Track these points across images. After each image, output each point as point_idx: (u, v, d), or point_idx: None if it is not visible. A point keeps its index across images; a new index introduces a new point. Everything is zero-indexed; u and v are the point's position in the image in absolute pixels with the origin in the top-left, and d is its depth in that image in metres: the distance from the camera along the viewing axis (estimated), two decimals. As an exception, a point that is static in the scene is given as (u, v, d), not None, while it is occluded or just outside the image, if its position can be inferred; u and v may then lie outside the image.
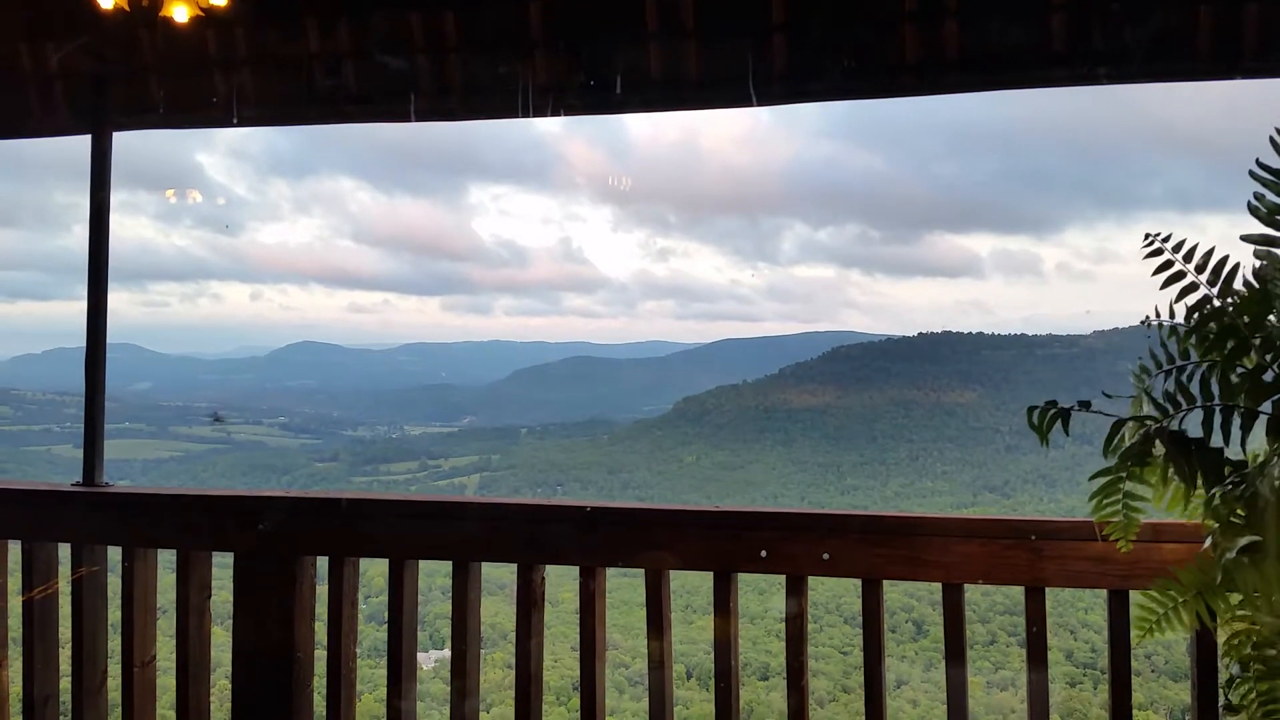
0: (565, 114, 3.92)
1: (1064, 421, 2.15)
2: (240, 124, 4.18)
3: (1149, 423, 2.05)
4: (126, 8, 3.67)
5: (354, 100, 4.04)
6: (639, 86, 3.82)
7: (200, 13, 3.71)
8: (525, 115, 3.84)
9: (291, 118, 4.46)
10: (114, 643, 3.82)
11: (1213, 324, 1.98)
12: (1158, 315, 2.09)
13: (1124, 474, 2.12)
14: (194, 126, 4.49)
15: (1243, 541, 1.83)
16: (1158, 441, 2.04)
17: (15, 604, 3.84)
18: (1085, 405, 2.15)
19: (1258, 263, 2.01)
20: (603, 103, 3.88)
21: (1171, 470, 2.05)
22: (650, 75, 3.79)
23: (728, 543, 3.28)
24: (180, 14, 3.69)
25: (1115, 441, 2.12)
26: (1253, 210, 2.02)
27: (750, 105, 3.73)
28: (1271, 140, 2.01)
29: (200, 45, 4.09)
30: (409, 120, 4.04)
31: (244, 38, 4.07)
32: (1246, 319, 1.94)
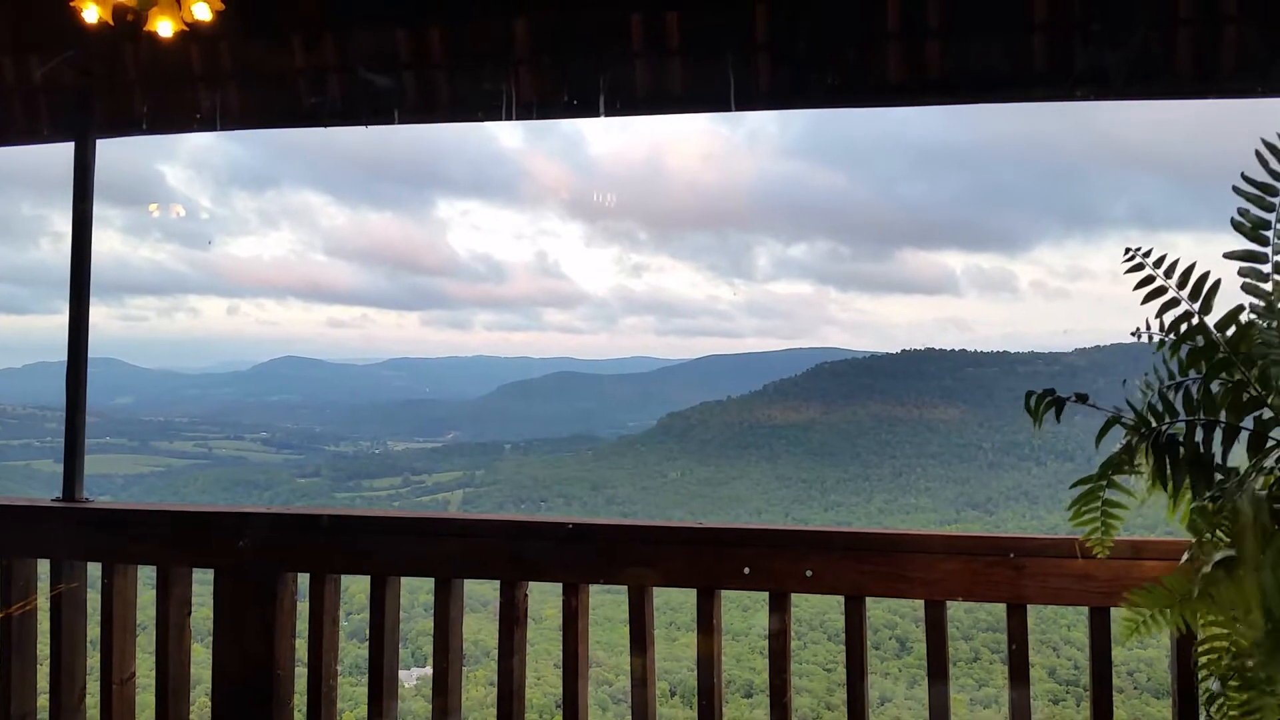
0: (550, 117, 3.95)
1: (1057, 409, 2.19)
2: (223, 129, 4.19)
3: (1135, 430, 2.06)
4: (111, 22, 3.65)
5: (339, 114, 4.04)
6: (624, 102, 3.84)
7: (185, 27, 3.70)
8: (510, 119, 3.86)
9: (275, 125, 4.45)
10: (93, 659, 3.78)
11: (1194, 340, 1.99)
12: (1148, 328, 2.11)
13: (1104, 482, 2.14)
14: (177, 132, 4.48)
15: (1219, 555, 1.85)
16: (1142, 449, 2.06)
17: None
18: (1082, 397, 2.18)
19: (1249, 301, 2.01)
20: (586, 110, 3.90)
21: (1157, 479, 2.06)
22: (635, 92, 3.80)
23: (711, 559, 3.27)
24: (165, 28, 3.68)
25: (1101, 439, 2.14)
26: (1236, 226, 2.04)
27: (730, 110, 3.79)
28: (1258, 155, 2.03)
29: (185, 59, 4.09)
30: (394, 123, 4.06)
31: (228, 52, 4.08)
32: (1225, 336, 1.96)
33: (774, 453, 38.57)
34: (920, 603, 3.14)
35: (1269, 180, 2.04)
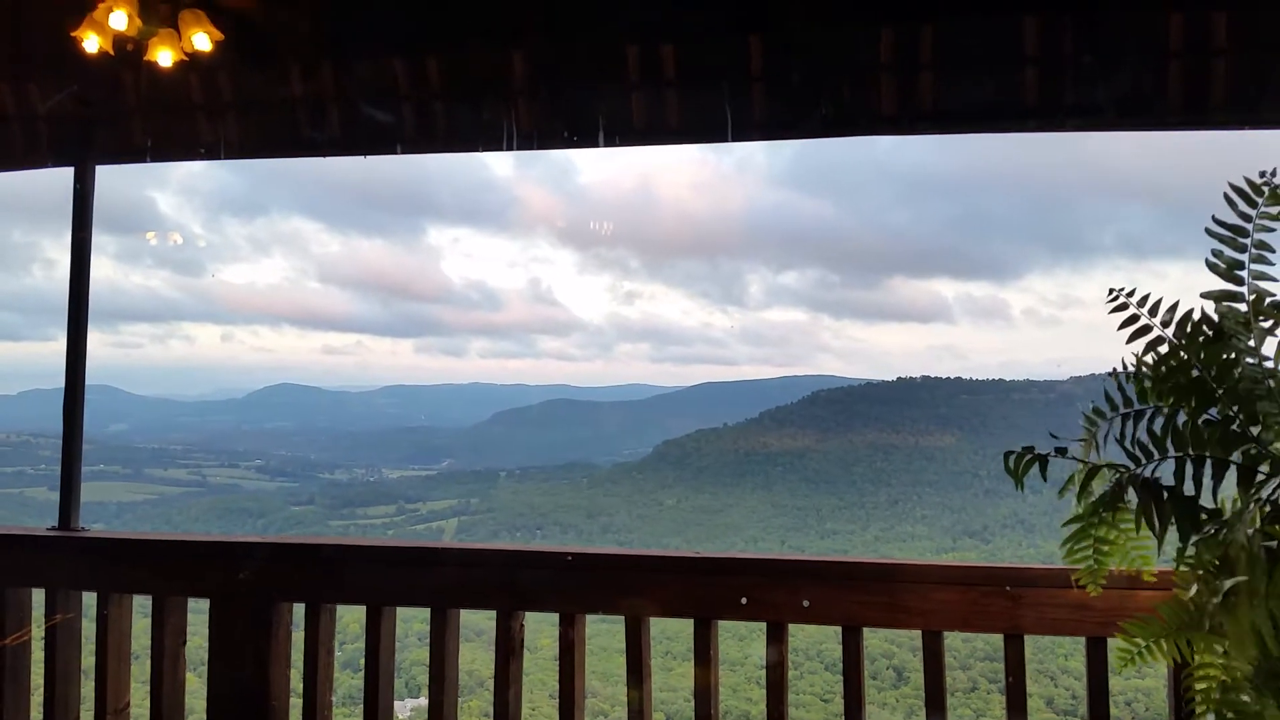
0: (548, 147, 3.99)
1: (1041, 467, 2.17)
2: (223, 159, 4.22)
3: (1121, 471, 2.07)
4: (111, 51, 3.69)
5: (338, 144, 4.07)
6: (621, 133, 3.87)
7: (184, 57, 3.74)
8: (509, 150, 3.89)
9: (274, 154, 4.49)
10: (86, 689, 3.76)
11: (1179, 377, 2.01)
12: (1125, 367, 2.13)
13: (1095, 519, 2.14)
14: (177, 160, 4.52)
15: (1227, 585, 1.85)
16: (1130, 489, 2.06)
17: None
18: (1061, 451, 2.16)
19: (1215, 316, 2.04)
20: (584, 140, 3.93)
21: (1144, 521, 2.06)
22: (631, 122, 3.84)
23: (708, 589, 3.27)
24: (165, 58, 3.72)
25: (1083, 490, 2.14)
26: (1211, 266, 2.07)
27: (726, 141, 3.83)
28: (1226, 197, 2.06)
29: (184, 88, 4.12)
30: (393, 153, 4.11)
31: (228, 81, 4.11)
32: (1213, 371, 1.97)
33: (770, 480, 38.45)
34: (917, 632, 3.14)
35: (1239, 222, 2.07)
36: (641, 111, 3.82)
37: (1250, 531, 1.78)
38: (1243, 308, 2.04)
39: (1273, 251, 2.06)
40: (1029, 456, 2.15)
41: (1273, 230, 2.05)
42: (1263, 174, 2.07)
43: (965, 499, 35.28)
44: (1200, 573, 1.94)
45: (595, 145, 3.89)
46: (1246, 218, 2.07)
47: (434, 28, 3.78)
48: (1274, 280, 2.05)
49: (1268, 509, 1.86)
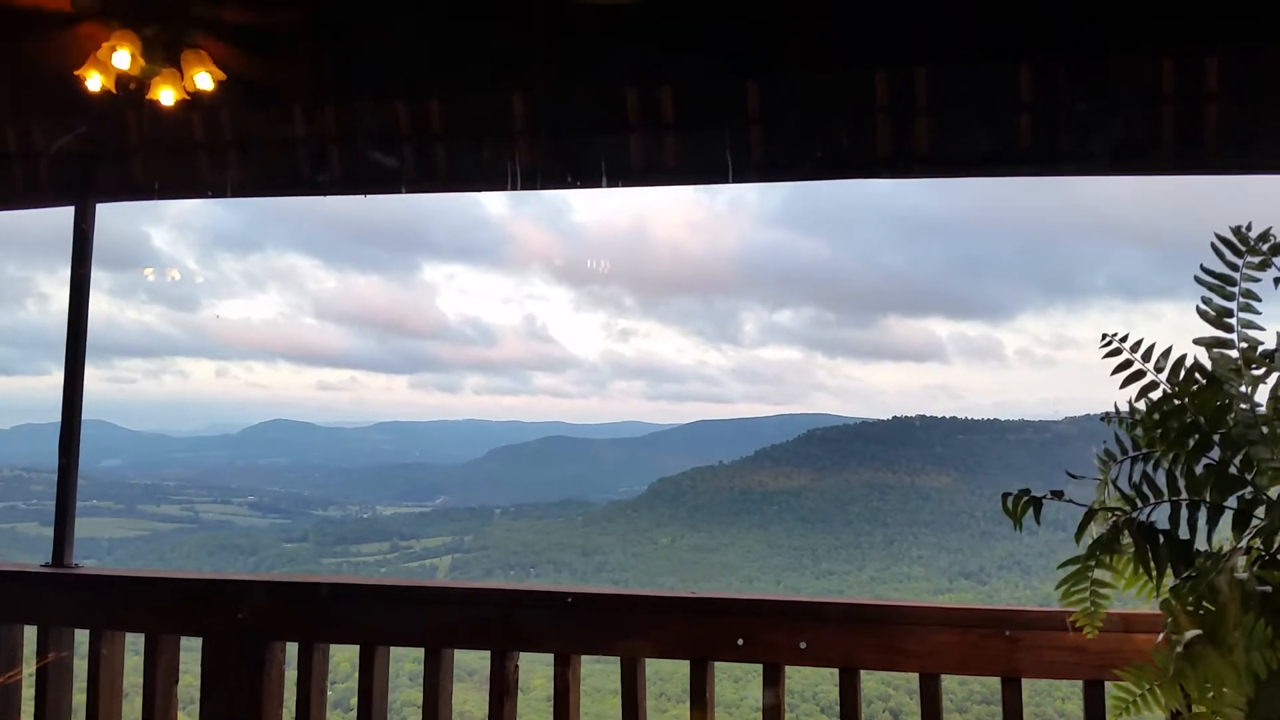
0: (548, 187, 4.05)
1: (1036, 510, 2.18)
2: (225, 196, 4.26)
3: (1118, 513, 2.08)
4: (114, 90, 3.72)
5: (339, 184, 4.10)
6: (620, 174, 3.91)
7: (186, 96, 3.77)
8: (510, 190, 3.94)
9: (276, 193, 4.52)
10: (77, 728, 3.73)
11: (1174, 422, 2.02)
12: (1117, 412, 2.14)
13: (1093, 562, 2.15)
14: (178, 198, 4.55)
15: (1189, 635, 1.86)
16: (1126, 532, 2.07)
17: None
18: (1058, 494, 2.17)
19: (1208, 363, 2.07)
20: (584, 181, 3.99)
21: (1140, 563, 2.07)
22: (630, 164, 3.87)
23: (705, 629, 3.26)
24: (167, 97, 3.75)
25: (1083, 532, 2.15)
26: (1202, 314, 2.09)
27: (725, 182, 3.88)
28: (1213, 246, 2.09)
29: (186, 127, 4.15)
30: (396, 193, 4.15)
31: (229, 121, 4.14)
32: (1204, 419, 1.99)
33: (765, 519, 38.33)
34: (914, 675, 3.12)
35: (1226, 271, 2.09)
36: (640, 153, 3.86)
37: (1236, 576, 1.79)
38: (1234, 354, 2.06)
39: (1259, 300, 2.08)
40: (1026, 498, 2.17)
41: (1259, 280, 2.08)
42: (1235, 229, 2.09)
43: (962, 540, 35.18)
44: (1175, 616, 1.94)
45: (594, 186, 3.93)
46: (1234, 267, 2.09)
47: (435, 70, 3.82)
48: (1262, 329, 2.08)
49: (1258, 552, 1.87)
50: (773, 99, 3.71)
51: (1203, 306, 2.09)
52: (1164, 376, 2.09)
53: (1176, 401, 2.04)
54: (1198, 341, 2.09)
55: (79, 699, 3.71)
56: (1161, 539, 2.01)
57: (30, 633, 3.74)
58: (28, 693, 3.74)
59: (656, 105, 3.75)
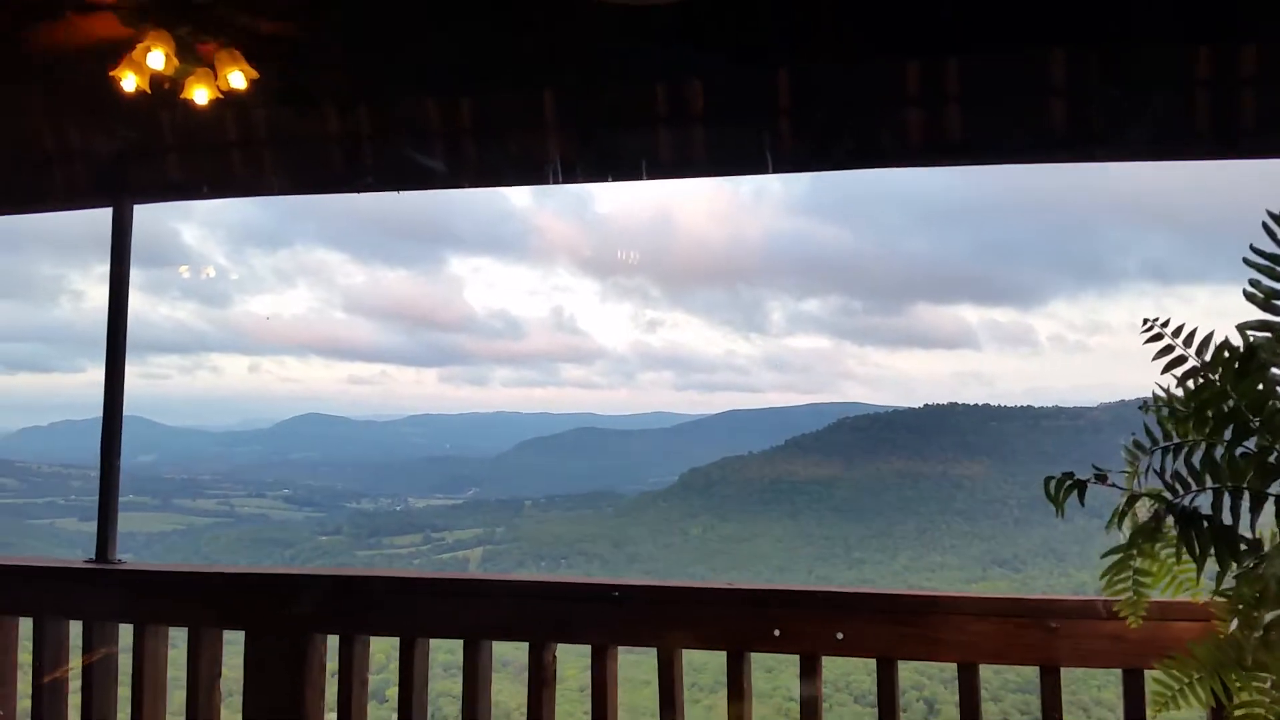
0: (579, 181, 4.07)
1: (1079, 493, 2.16)
2: (258, 195, 4.31)
3: (1159, 501, 2.06)
4: (148, 90, 3.76)
5: (372, 181, 4.13)
6: (650, 166, 3.91)
7: (220, 95, 3.80)
8: (541, 183, 3.98)
9: (309, 190, 4.56)
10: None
11: (1213, 408, 2.00)
12: (1155, 399, 2.11)
13: (1135, 551, 2.13)
14: (213, 198, 4.60)
15: (1269, 618, 1.84)
16: (1170, 519, 2.06)
17: (25, 683, 3.82)
18: (1101, 478, 2.15)
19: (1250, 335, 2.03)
20: (621, 174, 4.01)
21: (1184, 550, 2.06)
22: (660, 158, 3.88)
23: (741, 621, 3.27)
24: (201, 96, 3.78)
25: (1124, 518, 2.13)
26: (1249, 297, 2.05)
27: (756, 174, 3.88)
28: (1265, 226, 2.05)
29: (220, 126, 4.19)
30: (428, 188, 4.22)
31: (263, 119, 4.18)
32: (1246, 403, 1.97)
33: (796, 509, 38.20)
34: (947, 664, 3.12)
35: (1278, 251, 2.05)
36: (670, 146, 3.86)
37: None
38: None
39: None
40: (1069, 482, 2.15)
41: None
42: None
43: (995, 527, 34.91)
44: (1240, 607, 1.93)
45: (625, 179, 3.94)
46: None
47: (467, 68, 3.84)
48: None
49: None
50: (803, 90, 3.70)
51: (1250, 289, 2.05)
52: (1205, 360, 2.06)
53: (1217, 387, 2.02)
54: (1243, 326, 2.05)
55: (123, 692, 3.78)
56: (1205, 524, 1.99)
57: (75, 628, 3.81)
58: (74, 686, 3.80)
59: (686, 98, 3.75)
